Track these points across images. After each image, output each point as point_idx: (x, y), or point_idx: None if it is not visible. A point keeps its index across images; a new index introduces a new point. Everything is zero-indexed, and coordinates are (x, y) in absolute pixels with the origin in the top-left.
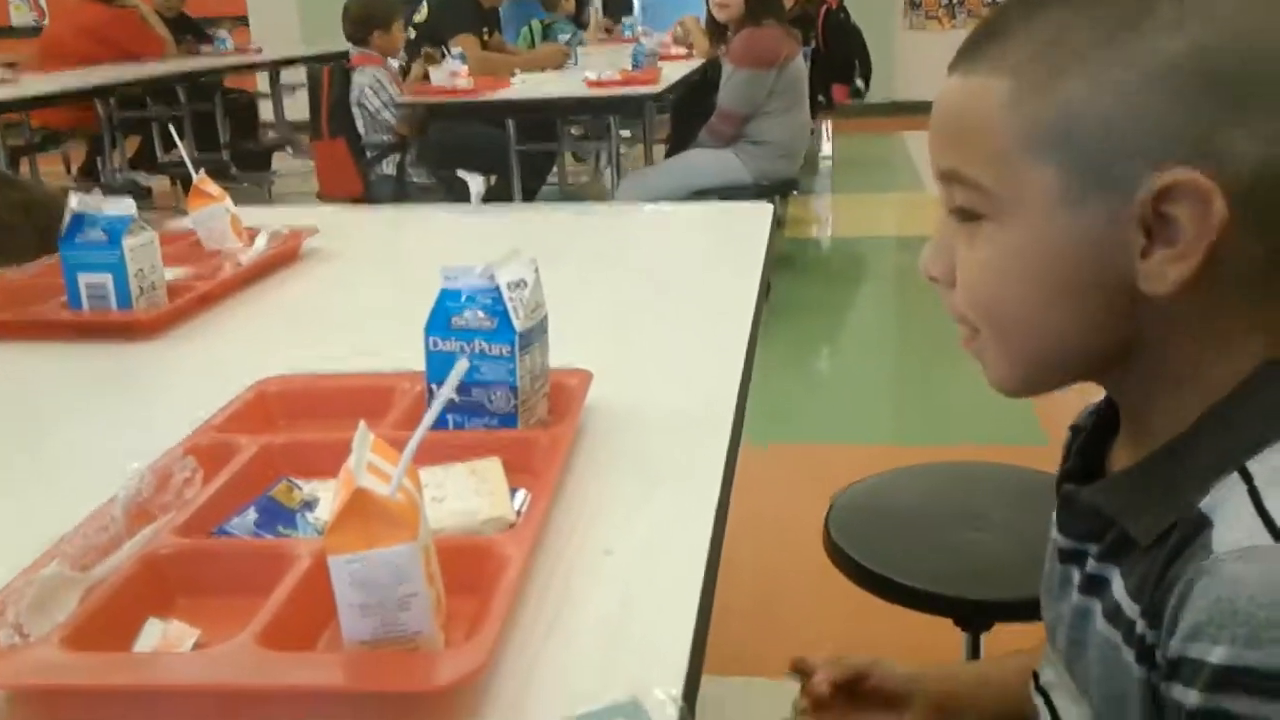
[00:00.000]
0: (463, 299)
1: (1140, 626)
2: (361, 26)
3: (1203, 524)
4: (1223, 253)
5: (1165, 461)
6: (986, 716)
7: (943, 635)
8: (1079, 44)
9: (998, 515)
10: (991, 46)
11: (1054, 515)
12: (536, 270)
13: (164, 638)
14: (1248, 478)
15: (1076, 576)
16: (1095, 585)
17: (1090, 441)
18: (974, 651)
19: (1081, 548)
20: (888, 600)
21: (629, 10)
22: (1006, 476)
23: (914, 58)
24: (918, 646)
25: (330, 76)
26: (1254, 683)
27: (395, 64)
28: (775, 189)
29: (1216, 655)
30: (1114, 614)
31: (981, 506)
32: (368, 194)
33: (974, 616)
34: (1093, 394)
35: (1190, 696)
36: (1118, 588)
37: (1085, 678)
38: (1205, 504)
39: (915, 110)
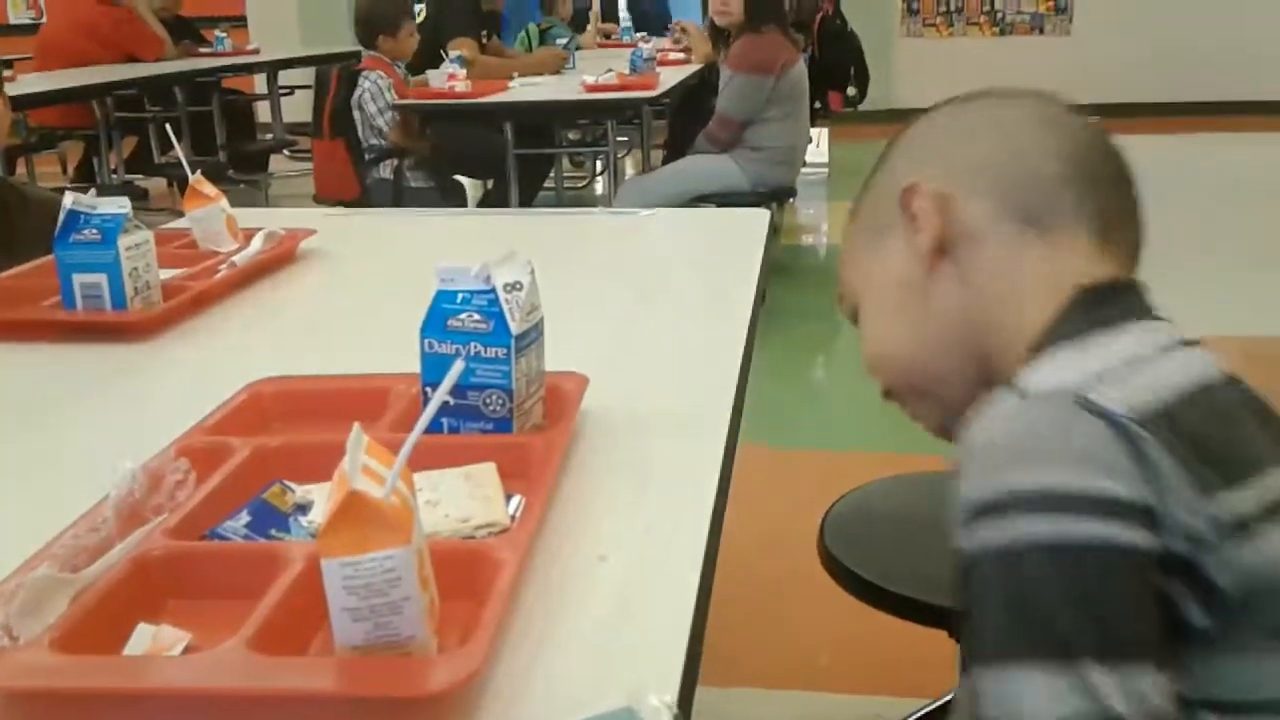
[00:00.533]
0: (458, 300)
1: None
2: (367, 29)
3: None
4: (969, 220)
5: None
6: None
7: (938, 646)
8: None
9: None
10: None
11: None
12: (533, 272)
13: (155, 641)
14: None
15: None
16: None
17: None
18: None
19: None
20: (882, 610)
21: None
22: None
23: (912, 65)
24: (913, 657)
25: (339, 78)
26: (996, 507)
27: (402, 69)
28: (772, 196)
29: (964, 495)
30: None
31: None
32: (364, 197)
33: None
34: None
35: (961, 548)
36: None
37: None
38: None
39: (913, 118)
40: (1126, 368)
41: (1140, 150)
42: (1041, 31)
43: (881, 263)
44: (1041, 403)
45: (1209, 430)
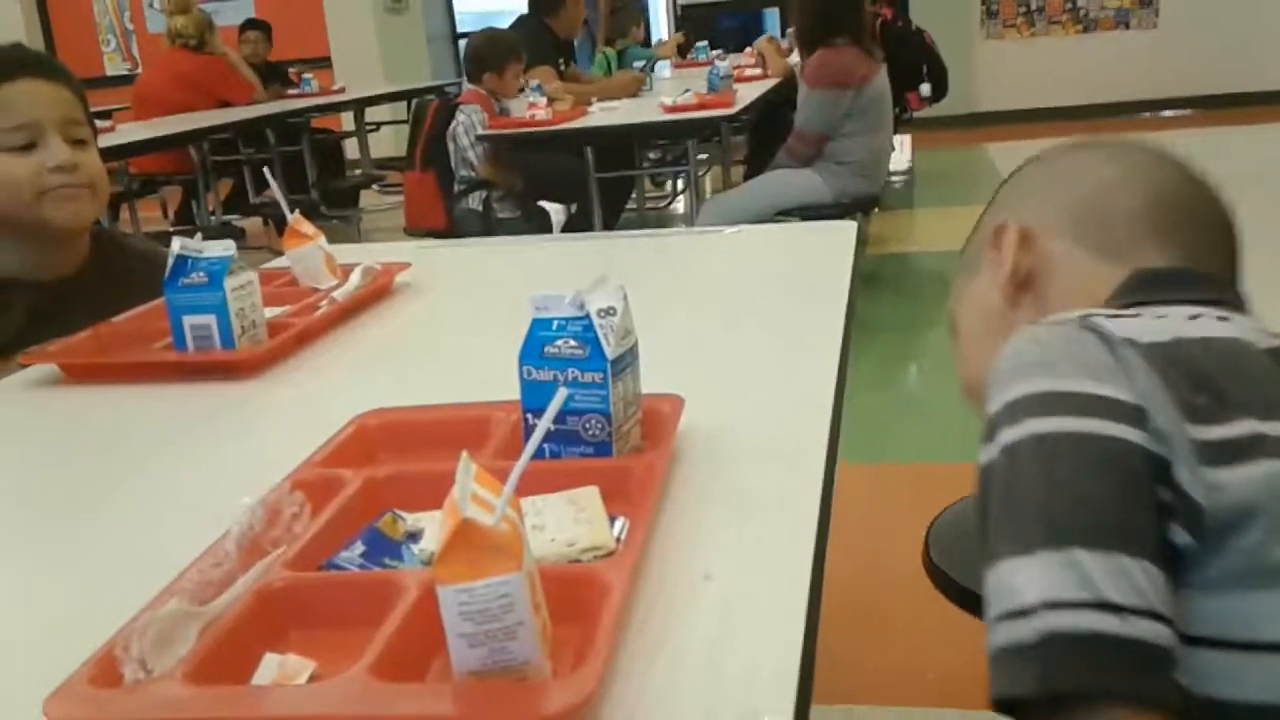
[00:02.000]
0: (554, 328)
1: None
2: (476, 65)
3: None
4: (1046, 253)
5: None
6: None
7: None
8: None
9: None
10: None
11: None
12: (625, 297)
13: (281, 670)
14: None
15: None
16: None
17: None
18: None
19: None
20: None
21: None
22: None
23: (993, 68)
24: None
25: (435, 110)
26: (1006, 415)
27: (501, 107)
28: (856, 206)
29: (986, 415)
30: None
31: None
32: (452, 228)
33: None
34: None
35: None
36: None
37: None
38: None
39: (996, 121)
40: (1139, 318)
41: (1231, 142)
42: (1127, 26)
43: (973, 294)
44: (1048, 325)
45: (1210, 366)
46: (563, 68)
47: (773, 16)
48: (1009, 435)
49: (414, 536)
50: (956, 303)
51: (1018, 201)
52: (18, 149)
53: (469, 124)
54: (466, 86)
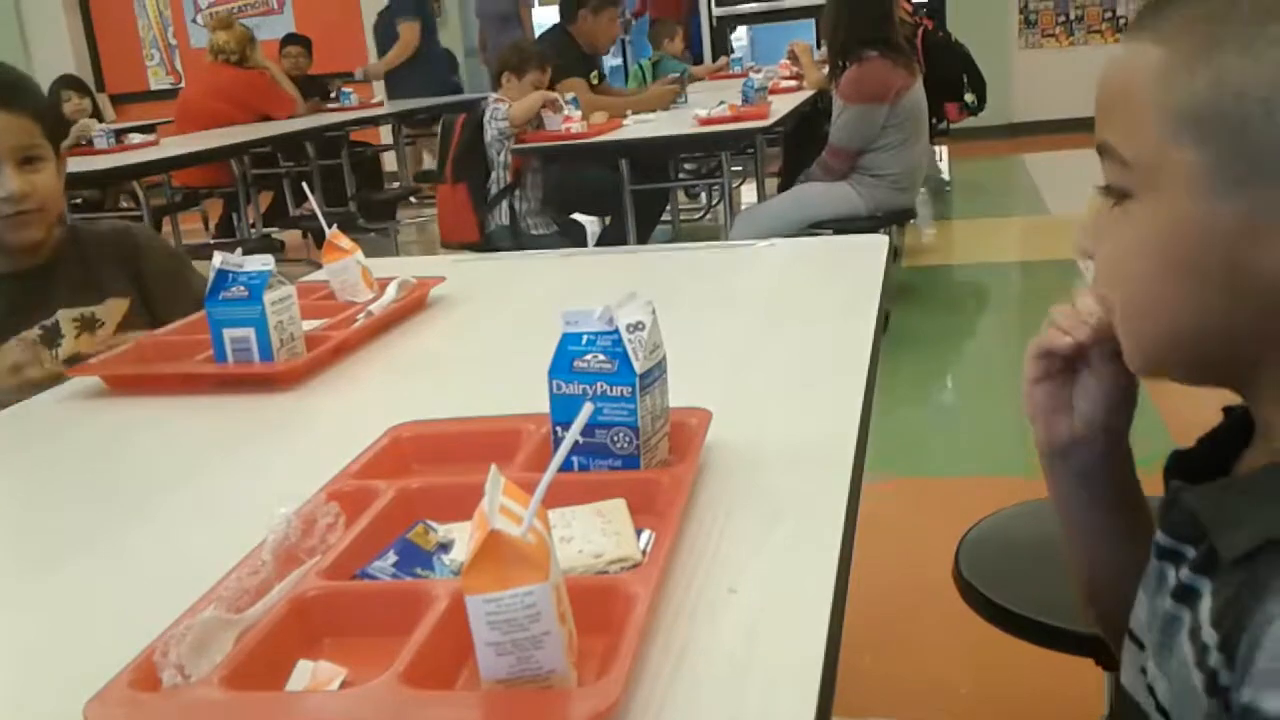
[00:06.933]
0: (583, 342)
1: (1214, 659)
2: (499, 65)
3: None
4: None
5: (1272, 478)
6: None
7: (1082, 674)
8: (1241, 17)
9: None
10: (1158, 12)
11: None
12: (654, 312)
13: (314, 677)
14: None
15: (1171, 578)
16: (1187, 595)
17: (1223, 441)
18: (1116, 691)
19: (1179, 549)
20: (1023, 639)
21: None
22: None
23: (1031, 77)
24: (1056, 687)
25: (464, 123)
26: None
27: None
28: (891, 219)
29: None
30: (1194, 633)
31: None
32: (485, 241)
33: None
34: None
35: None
36: (1204, 605)
37: (1170, 683)
38: None
39: (1034, 131)
40: None
41: None
42: None
43: (1205, 204)
44: None
45: None
46: (595, 81)
47: (808, 28)
48: None
49: (445, 547)
50: (1138, 153)
51: None
52: None
53: (491, 116)
54: (493, 96)
